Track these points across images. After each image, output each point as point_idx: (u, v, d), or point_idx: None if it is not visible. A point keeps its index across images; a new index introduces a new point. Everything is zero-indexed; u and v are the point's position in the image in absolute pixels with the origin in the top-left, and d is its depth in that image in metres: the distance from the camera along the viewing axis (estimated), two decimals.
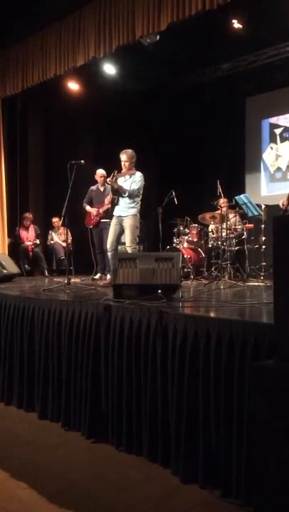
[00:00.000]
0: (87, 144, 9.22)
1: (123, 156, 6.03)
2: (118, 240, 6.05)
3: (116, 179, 5.94)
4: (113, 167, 6.17)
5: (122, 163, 6.03)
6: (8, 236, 8.21)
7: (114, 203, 6.02)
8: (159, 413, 3.08)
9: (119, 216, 5.99)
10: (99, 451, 3.33)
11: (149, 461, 3.10)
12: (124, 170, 6.03)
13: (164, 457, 3.03)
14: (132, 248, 5.90)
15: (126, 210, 5.96)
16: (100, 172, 7.27)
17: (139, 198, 6.08)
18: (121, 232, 6.00)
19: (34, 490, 2.76)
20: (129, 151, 6.08)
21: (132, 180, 5.98)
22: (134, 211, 5.96)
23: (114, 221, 6.04)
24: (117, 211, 6.02)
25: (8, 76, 7.39)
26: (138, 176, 6.01)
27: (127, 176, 6.03)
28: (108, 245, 6.07)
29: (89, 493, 2.73)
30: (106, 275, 6.73)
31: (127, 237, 5.93)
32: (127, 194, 5.90)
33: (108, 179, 6.01)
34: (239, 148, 9.76)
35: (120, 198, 5.97)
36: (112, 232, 6.04)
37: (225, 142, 9.56)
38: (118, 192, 5.96)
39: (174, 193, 7.60)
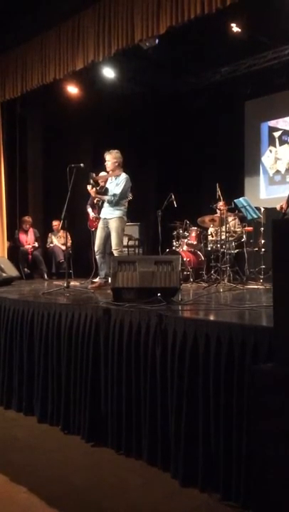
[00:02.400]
0: (87, 148, 9.22)
1: (108, 156, 5.99)
2: (106, 243, 5.99)
3: (97, 182, 5.96)
4: None
5: (106, 163, 6.00)
6: (8, 239, 8.20)
7: (100, 206, 5.98)
8: (158, 416, 3.08)
9: (105, 219, 5.95)
10: (98, 454, 3.33)
11: (148, 464, 3.10)
12: (109, 170, 6.01)
13: (163, 461, 3.03)
14: (118, 251, 5.83)
15: (111, 213, 5.90)
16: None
17: (126, 201, 6.01)
18: (108, 234, 5.92)
19: (33, 494, 2.76)
20: (114, 151, 6.04)
21: (116, 183, 5.93)
22: (119, 213, 5.88)
23: (100, 224, 6.02)
24: (103, 214, 6.00)
25: (7, 80, 7.39)
26: (122, 178, 5.93)
27: (113, 178, 6.00)
28: (96, 248, 6.03)
29: (88, 496, 2.73)
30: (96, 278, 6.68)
31: (112, 240, 5.86)
32: (112, 199, 5.85)
33: (93, 174, 6.00)
34: (238, 151, 9.77)
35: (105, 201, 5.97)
36: (98, 236, 6.00)
37: (224, 145, 9.56)
38: (104, 194, 5.95)
39: (173, 196, 7.60)
